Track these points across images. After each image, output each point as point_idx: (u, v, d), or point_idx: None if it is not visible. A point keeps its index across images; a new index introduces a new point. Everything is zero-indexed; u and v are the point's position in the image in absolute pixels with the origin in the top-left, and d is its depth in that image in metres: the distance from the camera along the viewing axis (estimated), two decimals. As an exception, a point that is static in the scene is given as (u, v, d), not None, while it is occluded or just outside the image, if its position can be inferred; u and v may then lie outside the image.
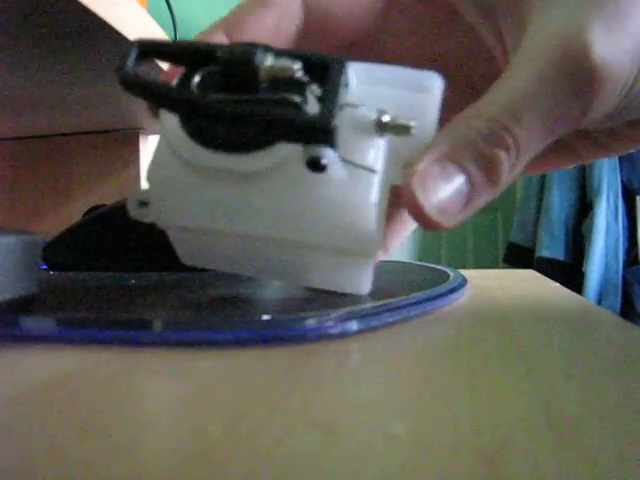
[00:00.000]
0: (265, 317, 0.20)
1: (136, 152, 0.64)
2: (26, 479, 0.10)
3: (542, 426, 0.12)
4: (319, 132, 0.19)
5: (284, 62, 0.19)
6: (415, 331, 0.22)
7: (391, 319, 0.22)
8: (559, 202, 1.76)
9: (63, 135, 0.65)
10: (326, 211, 0.21)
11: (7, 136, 0.65)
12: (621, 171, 1.68)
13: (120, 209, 0.34)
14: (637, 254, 1.62)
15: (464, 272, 0.36)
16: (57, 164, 0.65)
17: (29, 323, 0.20)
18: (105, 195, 0.64)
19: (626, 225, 1.66)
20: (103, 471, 0.10)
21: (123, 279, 0.34)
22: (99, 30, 0.31)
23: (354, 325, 0.21)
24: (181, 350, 0.19)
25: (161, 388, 0.16)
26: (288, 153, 0.20)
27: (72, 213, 0.64)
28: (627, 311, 1.59)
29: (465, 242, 2.44)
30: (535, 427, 0.12)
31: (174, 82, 0.21)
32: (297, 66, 0.19)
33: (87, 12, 0.28)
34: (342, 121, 0.20)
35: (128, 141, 0.64)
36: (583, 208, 1.75)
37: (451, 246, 2.40)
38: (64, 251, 0.35)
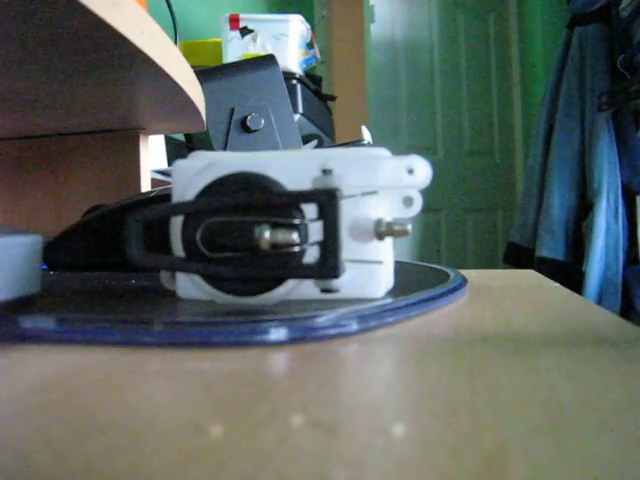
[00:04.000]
0: (265, 318, 0.20)
1: (136, 152, 0.64)
2: (26, 479, 0.10)
3: (542, 426, 0.12)
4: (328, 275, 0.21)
5: (282, 234, 0.22)
6: (415, 331, 0.22)
7: (391, 319, 0.22)
8: (559, 202, 1.76)
9: (63, 135, 0.65)
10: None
11: (7, 136, 0.65)
12: (621, 171, 1.68)
13: (120, 209, 0.34)
14: (637, 254, 1.62)
15: (464, 272, 0.36)
16: (57, 164, 0.65)
17: (29, 323, 0.20)
18: (105, 195, 0.64)
19: (626, 225, 1.66)
20: (103, 471, 0.10)
21: (123, 279, 0.34)
22: (99, 30, 0.31)
23: (354, 325, 0.21)
24: (181, 350, 0.19)
25: (161, 388, 0.16)
26: (296, 284, 0.23)
27: (72, 213, 0.64)
28: (627, 311, 1.59)
29: (465, 242, 2.44)
30: (535, 427, 0.12)
31: (177, 228, 0.23)
32: (295, 236, 0.21)
33: (87, 12, 0.28)
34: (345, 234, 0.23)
35: (128, 141, 0.64)
36: (583, 208, 1.74)
37: (451, 246, 2.40)
38: (64, 251, 0.35)
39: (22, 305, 0.22)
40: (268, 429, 0.12)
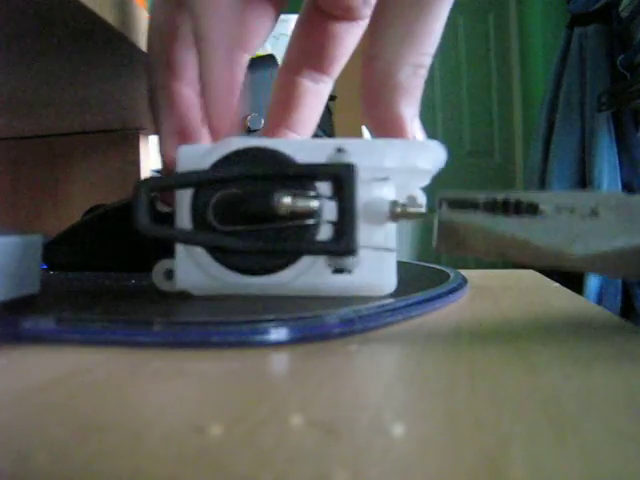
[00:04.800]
0: (265, 317, 0.20)
1: (136, 152, 0.64)
2: (26, 479, 0.10)
3: (542, 426, 0.12)
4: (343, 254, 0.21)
5: (302, 201, 0.21)
6: (415, 331, 0.22)
7: (391, 319, 0.22)
8: (559, 202, 1.76)
9: (63, 135, 0.65)
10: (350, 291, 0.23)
11: (7, 136, 0.65)
12: (621, 171, 1.68)
13: (120, 209, 0.34)
14: (637, 254, 1.62)
15: (464, 272, 0.36)
16: (57, 164, 0.65)
17: (29, 323, 0.20)
18: (105, 195, 0.64)
19: (626, 225, 1.65)
20: (103, 471, 0.10)
21: (123, 279, 0.34)
22: (99, 30, 0.31)
23: (354, 325, 0.21)
24: (181, 350, 0.19)
25: (161, 388, 0.16)
26: (311, 262, 0.22)
27: (72, 213, 0.64)
28: (627, 311, 1.58)
29: (465, 242, 2.43)
30: (535, 427, 0.12)
31: (188, 200, 0.22)
32: (314, 204, 0.21)
33: (87, 12, 0.28)
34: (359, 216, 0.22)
35: (128, 141, 0.64)
36: (583, 208, 1.74)
37: (451, 246, 2.39)
38: (64, 251, 0.35)
39: (22, 305, 0.22)
40: (268, 429, 0.12)
